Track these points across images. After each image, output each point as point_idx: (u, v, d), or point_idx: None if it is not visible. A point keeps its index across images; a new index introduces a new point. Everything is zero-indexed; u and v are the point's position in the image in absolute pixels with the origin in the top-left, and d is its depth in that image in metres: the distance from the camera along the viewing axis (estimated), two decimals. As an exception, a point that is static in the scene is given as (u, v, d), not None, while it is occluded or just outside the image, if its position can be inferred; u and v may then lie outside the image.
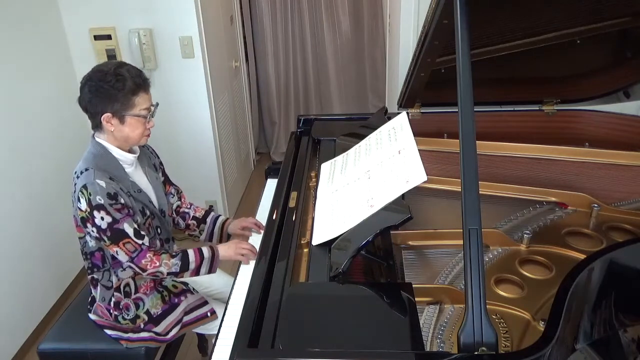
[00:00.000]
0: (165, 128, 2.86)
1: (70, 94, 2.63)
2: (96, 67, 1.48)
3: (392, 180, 1.25)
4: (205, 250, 1.60)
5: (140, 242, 1.49)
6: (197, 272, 1.59)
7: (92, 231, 1.47)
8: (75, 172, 1.48)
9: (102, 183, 1.43)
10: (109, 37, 2.66)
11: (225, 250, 1.61)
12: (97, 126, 1.51)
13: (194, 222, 1.81)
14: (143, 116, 1.49)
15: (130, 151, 1.57)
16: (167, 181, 1.78)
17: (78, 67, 2.71)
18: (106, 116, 1.46)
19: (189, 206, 1.83)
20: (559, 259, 1.30)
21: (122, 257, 1.49)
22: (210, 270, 1.61)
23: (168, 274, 1.55)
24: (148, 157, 1.68)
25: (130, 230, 1.47)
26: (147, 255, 1.50)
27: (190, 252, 1.58)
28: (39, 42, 2.47)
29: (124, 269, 1.58)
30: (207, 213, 1.83)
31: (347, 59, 4.01)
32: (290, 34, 3.89)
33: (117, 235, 1.46)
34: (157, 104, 1.55)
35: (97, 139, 1.52)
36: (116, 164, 1.51)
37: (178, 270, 1.55)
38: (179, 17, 2.62)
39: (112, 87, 1.43)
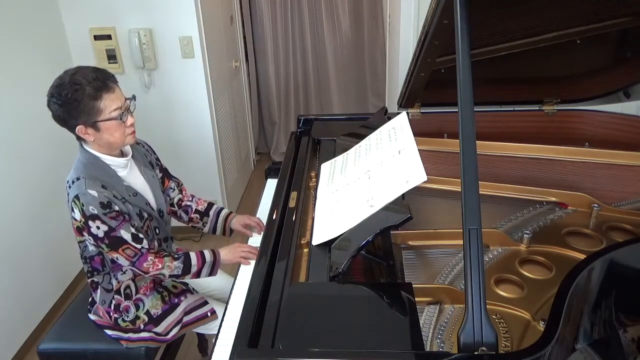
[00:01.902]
0: (165, 128, 2.87)
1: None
2: (55, 79, 1.39)
3: (392, 180, 1.25)
4: (207, 254, 1.60)
5: (139, 246, 1.48)
6: (198, 275, 1.59)
7: (90, 239, 1.46)
8: (67, 182, 1.45)
9: (94, 193, 1.39)
10: (109, 37, 2.66)
11: (226, 253, 1.61)
12: (78, 138, 1.45)
13: (197, 215, 1.80)
14: (115, 118, 1.39)
15: (122, 153, 1.53)
16: (166, 175, 1.75)
17: (78, 67, 2.71)
18: (79, 128, 1.39)
19: (190, 199, 1.81)
20: (559, 259, 1.29)
21: (123, 262, 1.49)
22: (211, 273, 1.61)
23: (170, 276, 1.55)
24: (143, 156, 1.64)
25: (128, 236, 1.45)
26: (149, 259, 1.50)
27: (193, 255, 1.58)
28: (39, 42, 2.47)
29: (124, 272, 1.57)
30: (209, 206, 1.82)
31: (347, 59, 4.01)
32: (290, 34, 3.89)
33: (115, 243, 1.44)
34: (134, 97, 1.47)
35: (85, 146, 1.47)
36: (108, 170, 1.47)
37: (180, 273, 1.55)
38: (178, 17, 2.62)
39: (71, 98, 1.34)
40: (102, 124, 1.40)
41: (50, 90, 1.39)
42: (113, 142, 1.45)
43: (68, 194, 1.44)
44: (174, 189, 1.79)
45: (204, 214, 1.80)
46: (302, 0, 3.77)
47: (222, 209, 1.84)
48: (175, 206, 1.79)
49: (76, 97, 1.34)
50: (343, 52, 3.98)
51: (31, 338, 2.36)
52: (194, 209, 1.80)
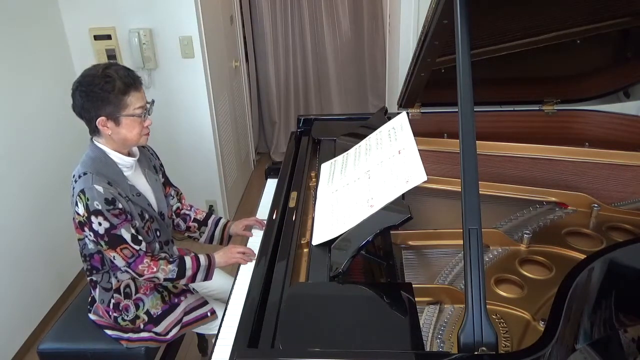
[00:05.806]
0: (165, 128, 2.86)
1: (70, 94, 2.63)
2: (85, 71, 1.46)
3: (392, 180, 1.25)
4: (202, 258, 1.60)
5: (137, 247, 1.48)
6: (193, 280, 1.59)
7: (90, 235, 1.46)
8: (74, 176, 1.47)
9: (100, 188, 1.41)
10: (109, 37, 2.66)
11: (220, 256, 1.63)
12: (94, 131, 1.49)
13: (195, 224, 1.81)
14: (138, 115, 1.46)
15: (129, 154, 1.55)
16: (166, 182, 1.77)
17: (78, 68, 2.71)
18: (101, 120, 1.44)
19: (189, 208, 1.83)
20: (559, 259, 1.30)
21: (119, 262, 1.49)
22: (206, 278, 1.61)
23: (165, 279, 1.55)
24: (148, 159, 1.67)
25: (127, 236, 1.46)
26: (145, 261, 1.50)
27: (187, 259, 1.58)
28: (39, 42, 2.47)
29: (123, 271, 1.57)
30: (208, 215, 1.83)
31: (347, 59, 4.01)
32: (290, 34, 3.89)
33: (114, 241, 1.45)
34: (153, 101, 1.53)
35: (95, 142, 1.50)
36: (115, 168, 1.50)
37: (174, 277, 1.55)
38: (178, 17, 2.63)
39: (102, 89, 1.40)
40: (125, 119, 1.45)
41: (78, 80, 1.45)
42: (129, 138, 1.48)
43: (73, 188, 1.45)
44: (173, 197, 1.80)
45: (202, 223, 1.81)
46: (302, 0, 3.77)
47: (220, 218, 1.85)
48: (174, 214, 1.80)
49: (107, 89, 1.41)
50: (343, 52, 3.98)
51: (31, 338, 2.36)
52: (192, 218, 1.81)
